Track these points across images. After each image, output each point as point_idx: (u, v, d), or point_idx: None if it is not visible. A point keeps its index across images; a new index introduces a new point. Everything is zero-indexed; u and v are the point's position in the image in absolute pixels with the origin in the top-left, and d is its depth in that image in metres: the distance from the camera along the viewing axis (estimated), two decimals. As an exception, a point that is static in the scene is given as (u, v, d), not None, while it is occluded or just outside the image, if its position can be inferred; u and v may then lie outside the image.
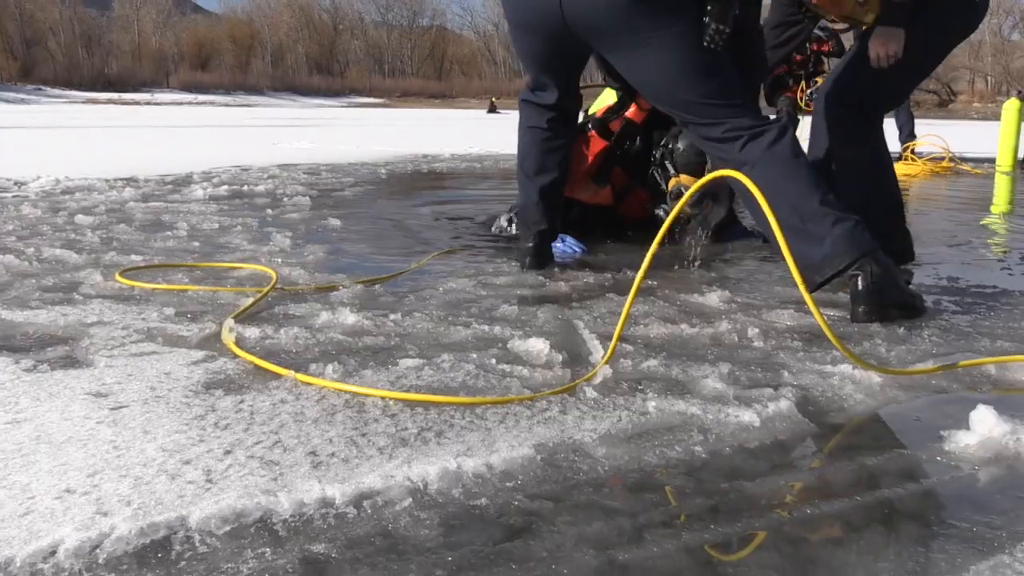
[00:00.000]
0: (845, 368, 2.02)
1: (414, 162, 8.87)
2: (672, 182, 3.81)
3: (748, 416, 1.70)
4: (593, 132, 3.95)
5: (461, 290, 2.81)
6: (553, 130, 3.23)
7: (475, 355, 2.07)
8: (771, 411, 1.73)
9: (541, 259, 3.25)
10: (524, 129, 3.29)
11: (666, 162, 3.86)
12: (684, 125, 2.97)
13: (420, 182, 7.05)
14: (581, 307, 2.61)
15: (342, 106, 57.75)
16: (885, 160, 3.44)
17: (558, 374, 1.97)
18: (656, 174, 3.94)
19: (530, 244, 3.25)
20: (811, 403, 1.84)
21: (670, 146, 3.85)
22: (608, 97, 4.11)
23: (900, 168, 8.32)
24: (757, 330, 2.34)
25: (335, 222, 4.28)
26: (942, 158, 9.42)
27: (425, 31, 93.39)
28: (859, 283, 2.47)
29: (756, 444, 1.63)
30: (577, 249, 3.59)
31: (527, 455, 1.51)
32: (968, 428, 1.65)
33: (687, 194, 2.45)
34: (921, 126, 11.07)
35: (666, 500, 1.39)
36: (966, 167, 9.06)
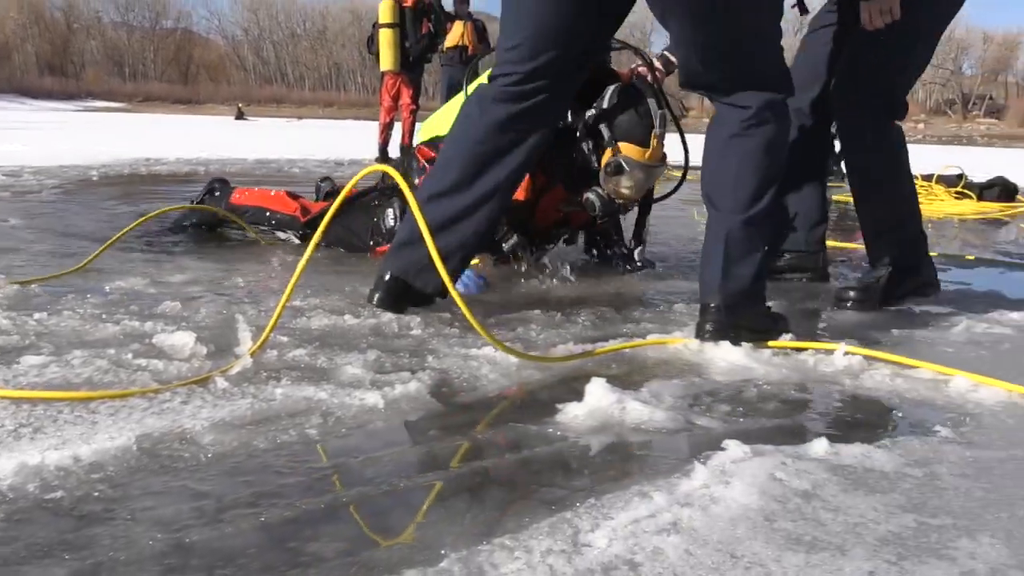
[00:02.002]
0: (488, 351, 2.09)
1: (133, 165, 8.43)
2: (608, 154, 2.91)
3: (373, 399, 1.72)
4: None
5: (129, 288, 2.68)
6: (515, 134, 2.44)
7: (113, 351, 1.97)
8: (398, 392, 1.76)
9: (398, 300, 2.46)
10: (469, 127, 2.48)
11: (601, 126, 2.92)
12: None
13: (132, 185, 6.70)
14: (251, 302, 2.55)
15: (76, 110, 54.04)
16: (908, 174, 3.07)
17: (195, 366, 1.91)
18: (585, 146, 2.98)
19: (385, 278, 2.46)
20: (445, 384, 1.88)
21: (605, 106, 2.92)
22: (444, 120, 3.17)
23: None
24: (419, 319, 2.37)
25: (15, 222, 3.98)
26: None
27: (169, 33, 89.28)
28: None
29: (378, 425, 1.64)
30: (473, 284, 2.85)
31: (124, 445, 1.45)
32: (581, 400, 1.75)
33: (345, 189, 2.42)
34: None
35: (259, 481, 1.37)
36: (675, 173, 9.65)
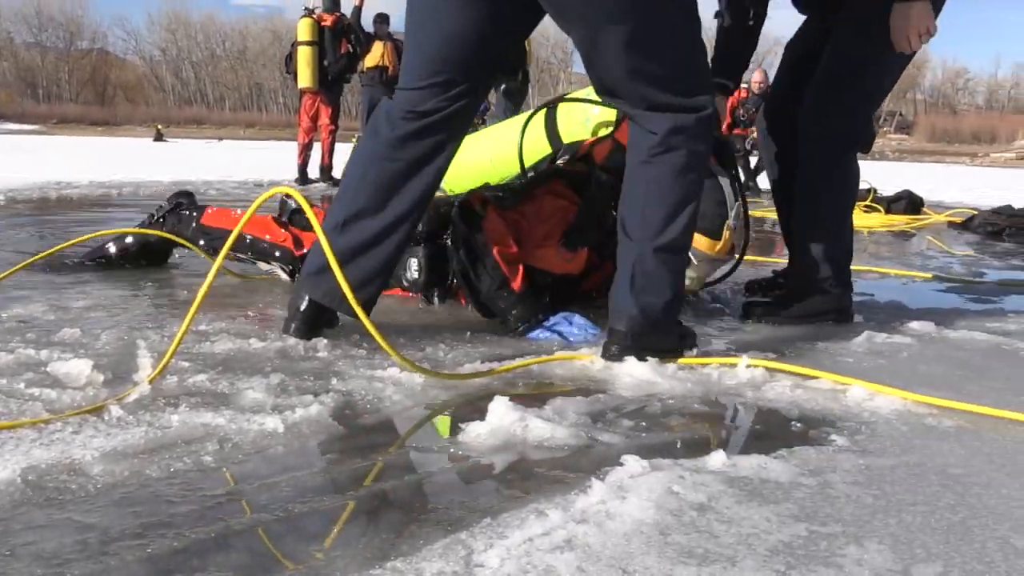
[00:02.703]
0: (394, 372, 2.07)
1: (43, 188, 8.20)
2: None
3: (273, 423, 1.69)
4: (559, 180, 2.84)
5: (28, 315, 2.60)
6: (427, 148, 2.36)
7: (4, 381, 1.91)
8: (299, 416, 1.73)
9: (314, 327, 2.40)
10: (377, 146, 2.38)
11: None
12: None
13: (40, 208, 6.53)
14: (154, 327, 2.50)
15: (-12, 132, 52.45)
16: (852, 208, 3.09)
17: (90, 395, 1.86)
18: None
19: (302, 307, 2.38)
20: (349, 407, 1.86)
21: None
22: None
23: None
24: (326, 341, 2.34)
25: (-89, 250, 3.85)
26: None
27: (84, 54, 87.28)
28: None
29: (278, 450, 1.62)
30: (592, 332, 2.56)
31: (8, 478, 1.40)
32: (484, 419, 1.74)
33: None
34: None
35: (148, 512, 1.33)
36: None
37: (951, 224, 7.04)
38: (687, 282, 2.73)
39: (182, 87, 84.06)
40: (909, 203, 7.59)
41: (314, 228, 2.27)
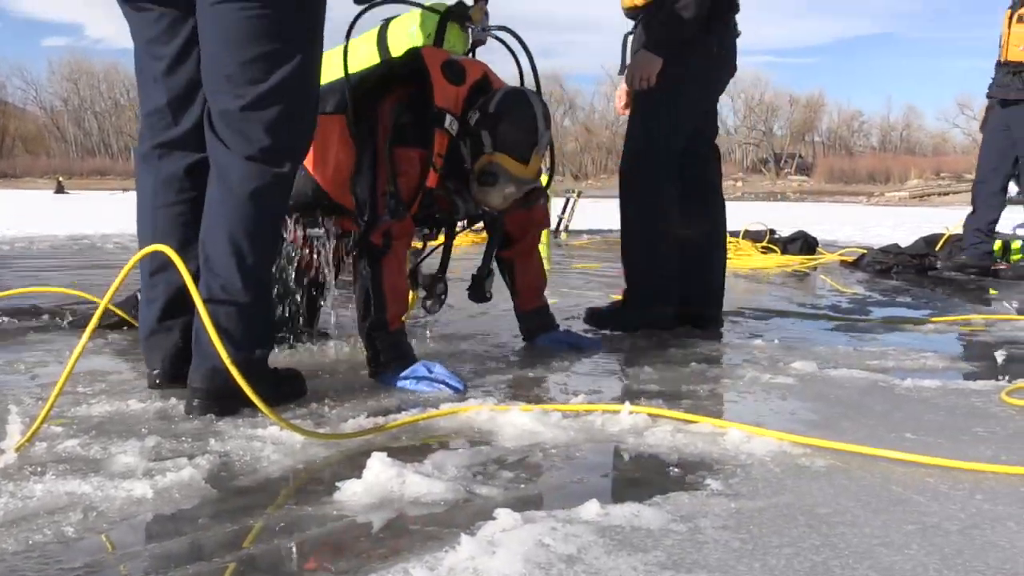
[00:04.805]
0: (275, 431, 2.05)
1: (-71, 246, 7.94)
2: (484, 161, 2.78)
3: (142, 489, 1.65)
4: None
5: None
6: (194, 183, 2.42)
7: None
8: (169, 481, 1.69)
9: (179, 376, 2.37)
10: (153, 195, 2.47)
11: (483, 132, 2.77)
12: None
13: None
14: (30, 392, 2.43)
15: None
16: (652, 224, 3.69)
17: (-48, 465, 1.79)
18: (462, 145, 2.83)
19: (160, 369, 2.44)
20: (225, 469, 1.83)
21: (491, 111, 2.78)
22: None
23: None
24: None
25: None
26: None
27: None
28: None
29: (146, 517, 1.58)
30: (455, 384, 2.57)
31: None
32: (360, 476, 1.73)
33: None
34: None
35: (-2, 589, 1.29)
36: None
37: (843, 263, 7.27)
38: (493, 202, 2.85)
39: (85, 137, 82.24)
40: (804, 243, 7.82)
41: (187, 285, 2.22)
